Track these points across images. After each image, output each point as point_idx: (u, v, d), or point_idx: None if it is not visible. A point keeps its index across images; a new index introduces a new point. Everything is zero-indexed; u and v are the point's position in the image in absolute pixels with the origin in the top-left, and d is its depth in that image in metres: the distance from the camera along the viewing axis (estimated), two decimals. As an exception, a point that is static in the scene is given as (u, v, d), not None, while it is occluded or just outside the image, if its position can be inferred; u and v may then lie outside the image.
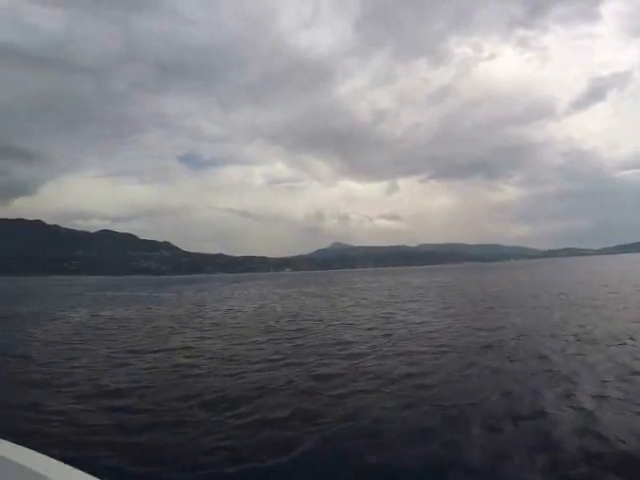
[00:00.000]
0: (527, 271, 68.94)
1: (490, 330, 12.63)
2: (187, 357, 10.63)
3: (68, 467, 1.57)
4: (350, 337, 12.64)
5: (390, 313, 18.41)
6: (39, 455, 1.68)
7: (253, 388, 7.59)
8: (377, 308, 20.60)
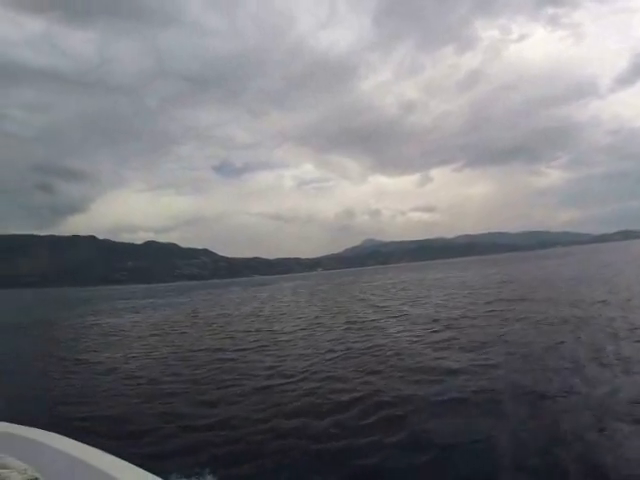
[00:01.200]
0: (586, 257, 62.58)
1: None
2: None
3: (139, 469, 1.57)
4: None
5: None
6: (109, 456, 1.70)
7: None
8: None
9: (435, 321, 14.88)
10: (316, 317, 18.47)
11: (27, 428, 2.16)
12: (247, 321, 19.72)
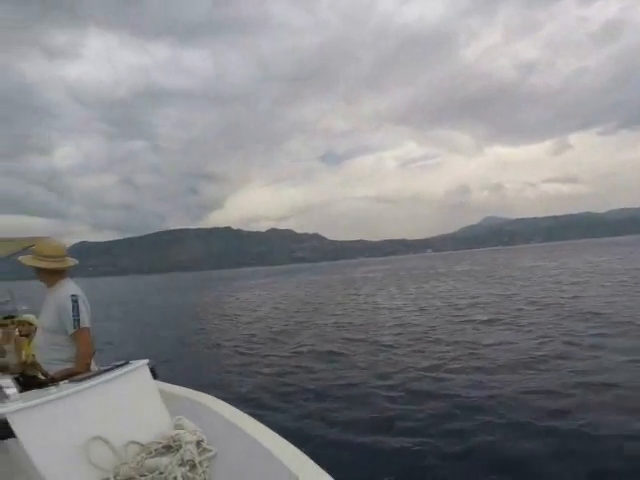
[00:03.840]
0: None
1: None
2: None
3: (299, 452, 1.49)
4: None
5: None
6: (269, 431, 1.66)
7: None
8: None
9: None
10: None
11: (194, 392, 2.27)
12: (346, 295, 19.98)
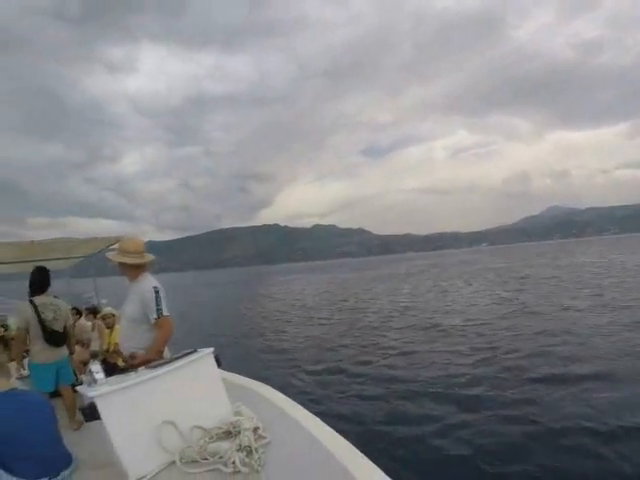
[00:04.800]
0: None
1: None
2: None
3: (343, 440, 1.50)
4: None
5: None
6: (319, 422, 1.68)
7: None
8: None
9: None
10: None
11: (250, 380, 2.35)
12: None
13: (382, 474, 1.32)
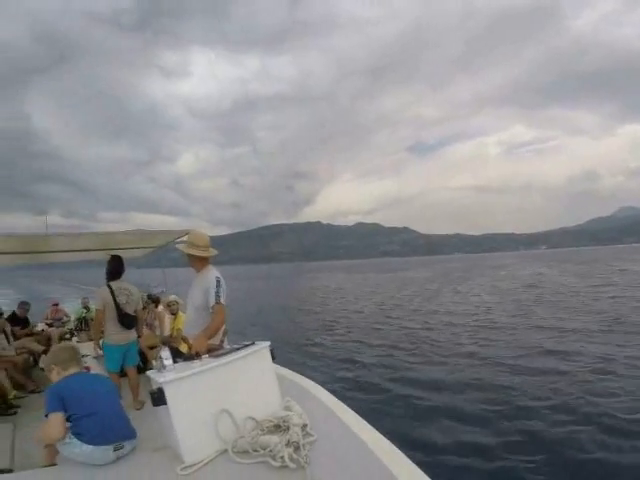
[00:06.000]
0: None
1: None
2: None
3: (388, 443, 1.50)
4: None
5: None
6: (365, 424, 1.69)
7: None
8: None
9: None
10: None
11: (299, 376, 2.39)
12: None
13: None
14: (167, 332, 4.46)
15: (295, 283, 37.85)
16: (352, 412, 1.87)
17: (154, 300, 5.04)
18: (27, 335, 5.03)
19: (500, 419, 4.31)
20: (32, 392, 3.78)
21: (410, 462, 1.40)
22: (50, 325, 6.30)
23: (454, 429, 4.16)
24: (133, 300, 3.25)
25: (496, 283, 23.42)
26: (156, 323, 4.66)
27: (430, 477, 1.29)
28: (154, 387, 1.72)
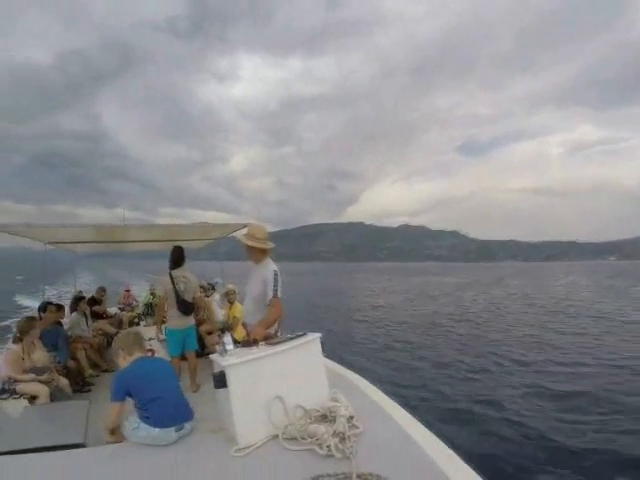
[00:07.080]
0: None
1: None
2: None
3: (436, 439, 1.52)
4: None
5: None
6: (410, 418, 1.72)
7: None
8: None
9: None
10: None
11: (345, 369, 2.46)
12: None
13: (476, 476, 1.27)
14: (220, 318, 4.73)
15: (340, 281, 39.00)
16: (400, 407, 1.89)
17: (205, 289, 5.30)
18: (103, 318, 5.67)
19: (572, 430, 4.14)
20: (105, 371, 4.23)
21: (465, 465, 1.38)
22: (122, 309, 7.04)
23: (510, 429, 4.08)
24: (191, 287, 3.45)
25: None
26: (207, 313, 4.98)
27: (481, 475, 1.27)
28: (216, 370, 1.86)
